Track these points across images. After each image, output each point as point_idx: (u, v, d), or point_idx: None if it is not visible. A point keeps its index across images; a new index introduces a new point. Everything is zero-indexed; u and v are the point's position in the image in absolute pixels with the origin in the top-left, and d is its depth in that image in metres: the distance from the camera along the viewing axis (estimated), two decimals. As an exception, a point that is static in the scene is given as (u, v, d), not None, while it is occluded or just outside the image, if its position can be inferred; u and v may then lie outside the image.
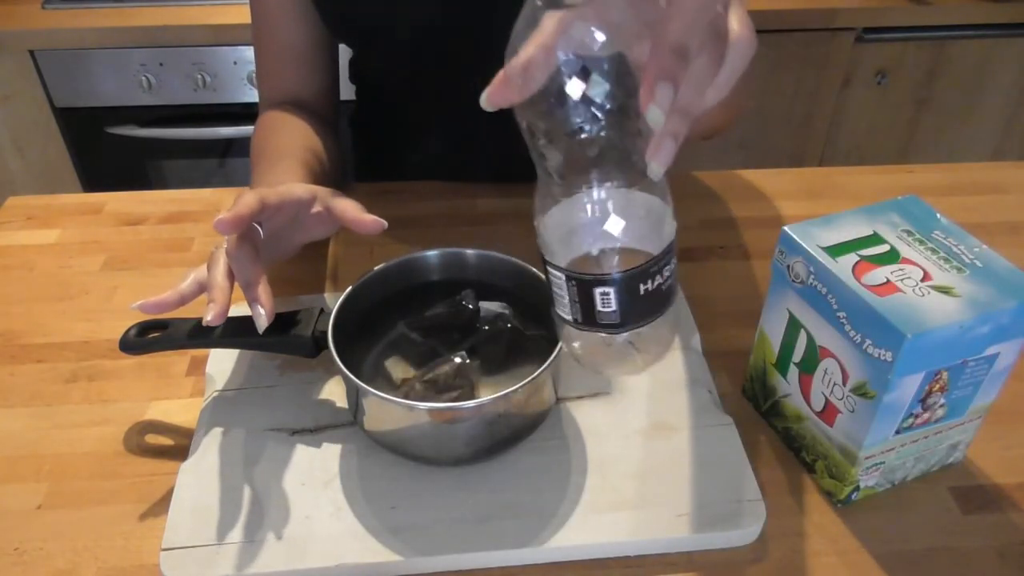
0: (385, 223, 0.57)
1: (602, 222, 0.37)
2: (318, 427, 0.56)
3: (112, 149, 1.50)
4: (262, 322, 0.52)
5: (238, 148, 1.53)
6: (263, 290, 0.52)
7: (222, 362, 0.61)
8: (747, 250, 0.75)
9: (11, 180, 1.52)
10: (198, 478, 0.53)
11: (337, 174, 0.79)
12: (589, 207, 0.37)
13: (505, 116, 0.94)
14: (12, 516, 0.52)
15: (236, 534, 0.50)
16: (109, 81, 1.43)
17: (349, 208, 0.58)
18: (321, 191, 0.59)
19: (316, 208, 0.58)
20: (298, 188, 0.58)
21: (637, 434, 0.56)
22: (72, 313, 0.68)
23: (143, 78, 1.42)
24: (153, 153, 1.53)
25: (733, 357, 0.63)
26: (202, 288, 0.55)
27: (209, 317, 0.51)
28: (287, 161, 0.66)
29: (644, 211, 0.37)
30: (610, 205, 0.37)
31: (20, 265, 0.73)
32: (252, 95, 1.46)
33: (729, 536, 0.50)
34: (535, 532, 0.50)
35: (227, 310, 0.51)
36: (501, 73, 0.36)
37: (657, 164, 0.35)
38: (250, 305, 0.52)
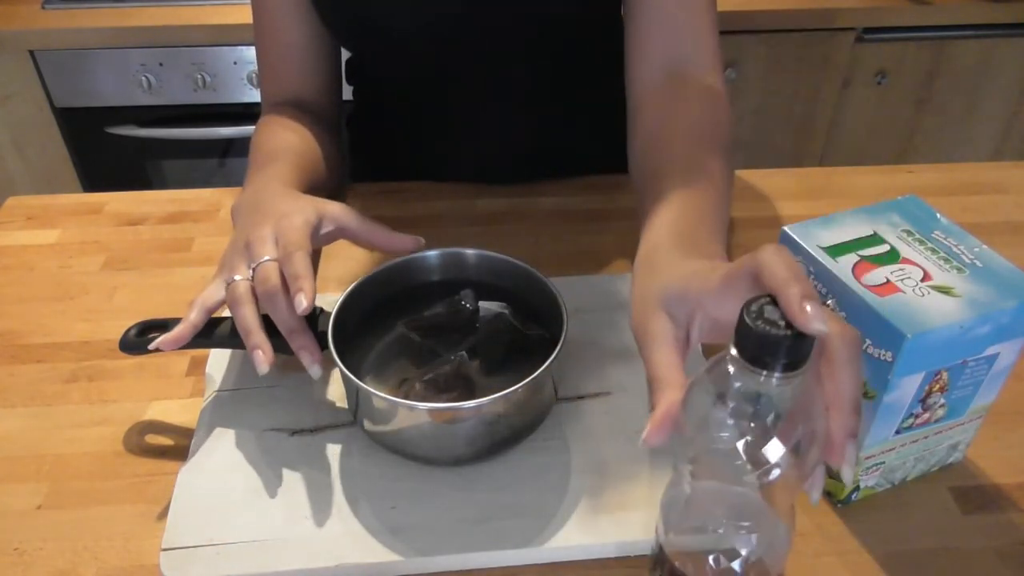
0: (423, 240, 0.58)
1: (729, 537, 0.41)
2: (318, 427, 0.56)
3: (112, 149, 1.50)
4: (316, 370, 0.52)
5: (238, 148, 1.53)
6: (309, 337, 0.52)
7: (222, 362, 0.61)
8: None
9: (11, 180, 1.52)
10: (198, 478, 0.53)
11: (336, 175, 0.79)
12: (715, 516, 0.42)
13: (501, 118, 0.94)
14: (12, 516, 0.52)
15: (236, 534, 0.50)
16: (109, 81, 1.43)
17: (377, 232, 0.57)
18: (329, 213, 0.57)
19: (326, 229, 0.56)
20: (310, 217, 0.55)
21: (637, 434, 0.55)
22: (72, 313, 0.68)
23: (143, 78, 1.42)
24: (153, 153, 1.53)
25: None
26: (210, 314, 0.55)
27: (264, 368, 0.50)
28: (277, 164, 0.66)
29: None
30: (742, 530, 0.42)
31: (20, 265, 0.73)
32: (252, 95, 1.46)
33: None
34: (536, 532, 0.50)
35: (272, 353, 0.51)
36: (659, 416, 0.42)
37: (817, 493, 0.39)
38: (299, 354, 0.51)
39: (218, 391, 0.59)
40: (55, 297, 0.70)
